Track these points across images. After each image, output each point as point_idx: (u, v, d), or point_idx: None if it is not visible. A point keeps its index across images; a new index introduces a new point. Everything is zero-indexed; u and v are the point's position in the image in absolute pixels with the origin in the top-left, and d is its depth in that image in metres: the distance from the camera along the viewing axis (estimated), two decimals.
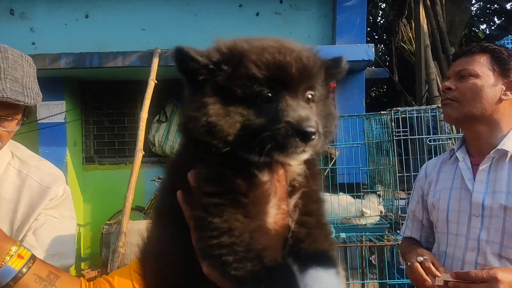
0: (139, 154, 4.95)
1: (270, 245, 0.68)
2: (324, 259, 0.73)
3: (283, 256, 0.69)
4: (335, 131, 0.85)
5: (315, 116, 0.73)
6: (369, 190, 3.19)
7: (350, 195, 3.11)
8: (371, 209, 3.00)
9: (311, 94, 0.77)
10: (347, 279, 3.35)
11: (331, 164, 4.28)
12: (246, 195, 0.70)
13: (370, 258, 4.00)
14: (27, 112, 1.69)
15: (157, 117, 6.97)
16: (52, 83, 6.40)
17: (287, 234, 0.75)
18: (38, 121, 6.50)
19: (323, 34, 6.88)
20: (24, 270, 1.12)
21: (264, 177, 0.72)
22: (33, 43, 6.85)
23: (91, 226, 7.04)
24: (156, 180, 6.69)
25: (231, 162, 0.70)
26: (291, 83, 0.72)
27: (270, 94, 0.70)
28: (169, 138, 6.95)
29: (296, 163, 0.76)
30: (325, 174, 3.77)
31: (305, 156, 0.72)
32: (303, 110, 0.71)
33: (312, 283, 0.69)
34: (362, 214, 2.97)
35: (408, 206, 3.19)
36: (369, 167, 3.25)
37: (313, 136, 0.69)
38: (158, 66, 5.69)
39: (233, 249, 0.65)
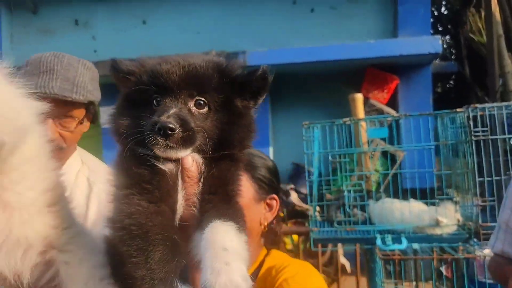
0: None
1: (163, 223, 0.80)
2: (224, 217, 0.81)
3: (172, 233, 0.80)
4: (244, 141, 0.92)
5: (200, 119, 0.84)
6: (444, 196, 2.87)
7: (423, 202, 2.82)
8: (447, 217, 2.69)
9: (202, 101, 0.86)
10: None
11: (395, 167, 3.97)
12: (151, 182, 0.82)
13: (441, 268, 3.65)
14: (91, 113, 1.76)
15: None
16: (113, 89, 6.64)
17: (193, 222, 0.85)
18: (102, 126, 6.77)
19: (383, 27, 6.50)
20: None
21: (166, 166, 0.83)
22: (95, 51, 7.17)
23: None
24: None
25: (136, 157, 0.84)
26: (171, 88, 0.84)
27: (159, 99, 0.84)
28: None
29: (178, 157, 0.84)
30: (390, 177, 3.49)
31: (177, 151, 0.82)
32: (171, 110, 0.81)
33: (208, 232, 0.78)
34: (437, 223, 2.67)
35: (488, 214, 2.84)
36: (443, 170, 2.92)
37: (170, 132, 0.78)
38: None
39: (130, 229, 0.78)
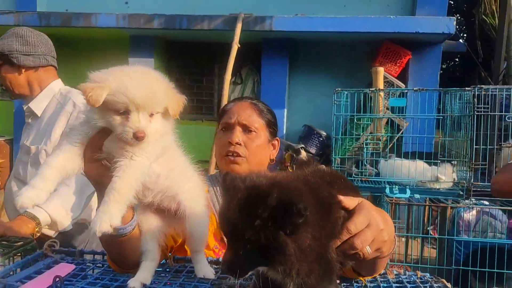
0: None
1: None
2: None
3: None
4: None
5: None
6: (445, 159, 3.48)
7: (426, 162, 3.42)
8: (445, 175, 3.31)
9: None
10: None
11: (401, 132, 4.56)
12: None
13: (429, 228, 4.30)
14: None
15: (233, 79, 7.42)
16: (144, 41, 7.04)
17: None
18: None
19: (402, 4, 6.87)
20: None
21: None
22: (126, 3, 7.48)
23: None
24: None
25: None
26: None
27: None
28: None
29: None
30: (395, 140, 4.06)
31: None
32: None
33: None
34: (437, 179, 3.29)
35: (479, 176, 3.45)
36: (446, 137, 3.52)
37: None
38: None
39: None
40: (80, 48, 7.69)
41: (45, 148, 2.22)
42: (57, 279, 1.20)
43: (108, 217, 0.99)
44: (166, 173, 1.18)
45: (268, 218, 0.77)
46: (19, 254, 1.44)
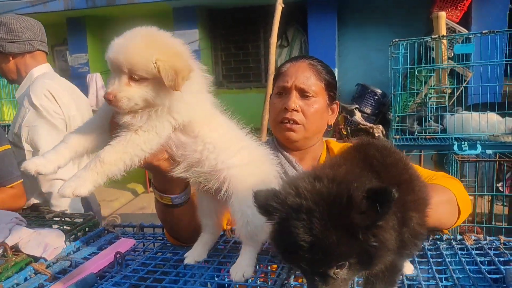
0: (271, 77, 5.32)
1: None
2: None
3: None
4: None
5: None
6: None
7: (499, 113, 3.08)
8: None
9: None
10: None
11: (466, 82, 4.16)
12: None
13: (498, 185, 3.95)
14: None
15: (279, 42, 7.19)
16: (187, 13, 6.97)
17: None
18: None
19: None
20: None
21: None
22: None
23: None
24: None
25: None
26: None
27: None
28: None
29: None
30: (459, 91, 3.70)
31: None
32: None
33: None
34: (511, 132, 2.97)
35: None
36: None
37: None
38: None
39: None
40: (126, 26, 7.76)
41: (14, 131, 2.27)
42: (118, 255, 1.20)
43: (77, 184, 0.95)
44: (195, 145, 1.07)
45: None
46: (82, 230, 1.47)
